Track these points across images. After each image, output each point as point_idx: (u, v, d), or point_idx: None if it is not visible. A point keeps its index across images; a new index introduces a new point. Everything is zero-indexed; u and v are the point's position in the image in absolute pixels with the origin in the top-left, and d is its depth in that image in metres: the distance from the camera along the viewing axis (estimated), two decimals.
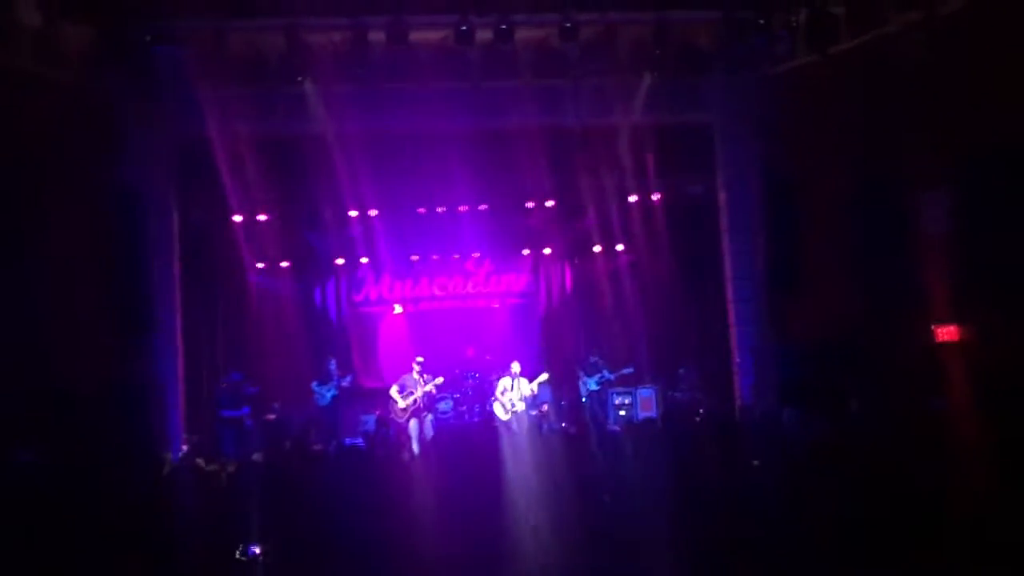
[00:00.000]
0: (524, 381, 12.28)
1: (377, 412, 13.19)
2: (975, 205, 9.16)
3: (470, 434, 10.65)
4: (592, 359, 13.76)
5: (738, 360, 11.67)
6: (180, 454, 10.16)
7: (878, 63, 9.86)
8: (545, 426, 12.27)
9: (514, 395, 12.31)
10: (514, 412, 12.22)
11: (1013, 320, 8.52)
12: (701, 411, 11.95)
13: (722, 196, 12.02)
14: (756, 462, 5.92)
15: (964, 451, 5.54)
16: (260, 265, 14.04)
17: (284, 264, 14.39)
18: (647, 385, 13.36)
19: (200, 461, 8.97)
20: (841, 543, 4.65)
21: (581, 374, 13.73)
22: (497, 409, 12.23)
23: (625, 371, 13.44)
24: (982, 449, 5.41)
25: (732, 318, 11.83)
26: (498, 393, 12.26)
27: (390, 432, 11.95)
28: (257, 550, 4.41)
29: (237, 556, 4.38)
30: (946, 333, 9.70)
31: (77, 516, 5.01)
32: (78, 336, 9.46)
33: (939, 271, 9.37)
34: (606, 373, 13.45)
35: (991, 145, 9.03)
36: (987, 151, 9.07)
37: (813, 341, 10.40)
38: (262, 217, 13.06)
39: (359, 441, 11.56)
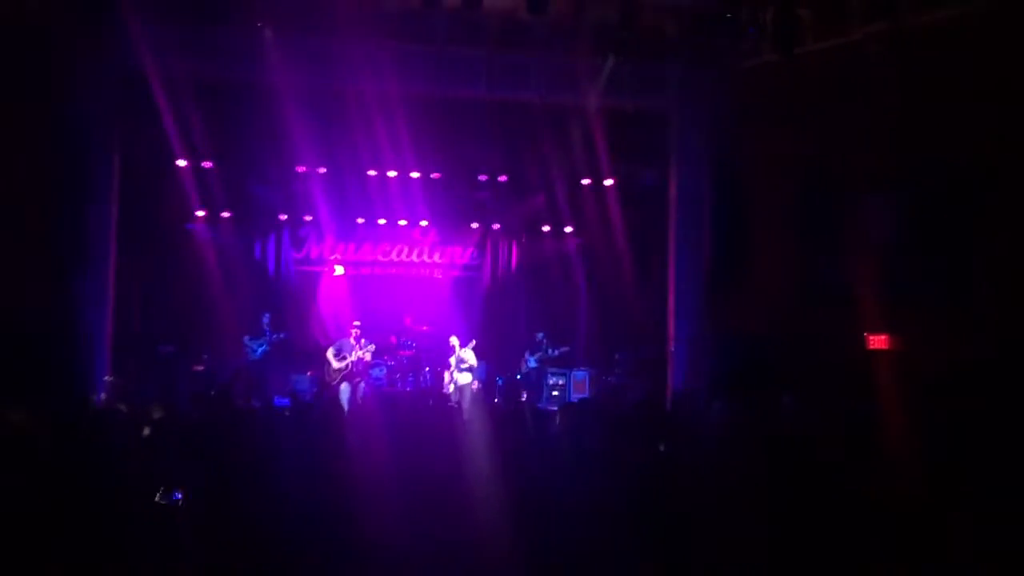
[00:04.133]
0: (466, 351, 12.33)
1: (309, 372, 13.06)
2: (917, 215, 9.40)
3: (401, 401, 10.57)
4: (538, 337, 13.82)
5: (673, 348, 11.80)
6: (103, 396, 9.91)
7: (839, 68, 10.01)
8: (480, 401, 12.30)
9: (455, 367, 12.37)
10: (456, 384, 12.28)
11: (942, 332, 8.77)
12: (630, 395, 12.08)
13: (673, 185, 12.09)
14: (662, 447, 5.99)
15: (889, 454, 5.66)
16: (201, 213, 13.69)
17: (225, 214, 14.05)
18: (582, 367, 13.47)
19: (122, 406, 8.74)
20: (742, 527, 4.71)
21: (526, 352, 13.80)
22: (446, 379, 12.38)
23: (563, 349, 13.54)
24: (907, 453, 5.53)
25: (672, 306, 11.94)
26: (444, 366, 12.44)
27: (323, 393, 11.85)
28: (179, 495, 4.30)
29: (157, 499, 4.26)
30: (878, 341, 9.94)
31: None
32: (8, 271, 9.13)
33: (875, 278, 9.58)
34: (549, 351, 13.53)
35: (936, 157, 9.26)
36: (932, 163, 9.31)
37: (749, 335, 10.57)
38: (206, 164, 12.71)
39: (287, 401, 11.41)
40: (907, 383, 8.32)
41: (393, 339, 14.12)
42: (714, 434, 7.09)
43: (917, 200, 9.41)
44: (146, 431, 6.17)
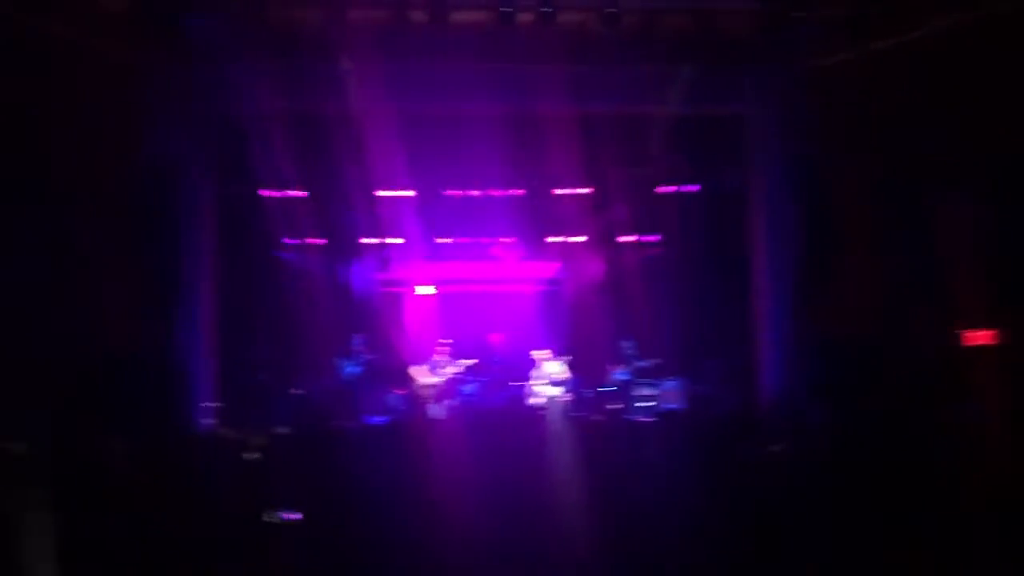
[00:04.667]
0: (554, 365, 12.39)
1: (401, 391, 13.29)
2: (1011, 206, 9.05)
3: (491, 416, 10.71)
4: (625, 348, 13.76)
5: (763, 354, 11.60)
6: (207, 423, 10.30)
7: (918, 61, 9.75)
8: (571, 414, 12.32)
9: (542, 380, 12.45)
10: (544, 397, 12.34)
11: None
12: (724, 404, 11.91)
13: (754, 189, 11.91)
14: (775, 448, 5.90)
15: (995, 456, 5.49)
16: (291, 240, 14.16)
17: (315, 240, 14.49)
18: (672, 377, 13.32)
19: (227, 431, 9.08)
20: (858, 535, 4.62)
21: (614, 363, 13.75)
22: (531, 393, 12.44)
23: (653, 362, 13.44)
24: (1013, 455, 5.35)
25: (759, 312, 11.75)
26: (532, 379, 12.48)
27: (414, 411, 12.05)
28: (287, 515, 4.47)
29: (265, 519, 4.44)
30: (977, 336, 9.59)
31: (105, 480, 5.08)
32: (108, 306, 9.56)
33: (970, 272, 9.27)
34: (637, 362, 13.46)
35: None
36: None
37: (843, 336, 10.32)
38: (295, 193, 13.17)
39: (381, 419, 11.65)
40: (1010, 380, 8.02)
41: (481, 355, 14.25)
42: (815, 438, 6.97)
43: (1010, 189, 9.05)
44: (249, 455, 6.39)
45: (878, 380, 9.26)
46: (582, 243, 15.42)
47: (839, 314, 10.58)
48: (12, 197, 8.76)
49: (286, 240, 14.11)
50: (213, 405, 10.90)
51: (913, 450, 5.35)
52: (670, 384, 13.20)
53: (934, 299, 9.60)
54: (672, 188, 13.36)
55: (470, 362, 12.77)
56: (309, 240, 14.44)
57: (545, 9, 9.71)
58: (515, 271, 15.47)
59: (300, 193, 13.18)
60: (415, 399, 12.60)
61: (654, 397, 13.10)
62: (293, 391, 12.85)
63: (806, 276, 11.12)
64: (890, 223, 10.27)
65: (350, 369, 13.38)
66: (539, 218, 14.63)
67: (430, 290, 15.20)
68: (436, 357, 12.64)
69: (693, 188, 13.05)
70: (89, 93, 9.31)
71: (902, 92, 9.91)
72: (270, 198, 12.82)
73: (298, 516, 4.41)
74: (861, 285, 10.33)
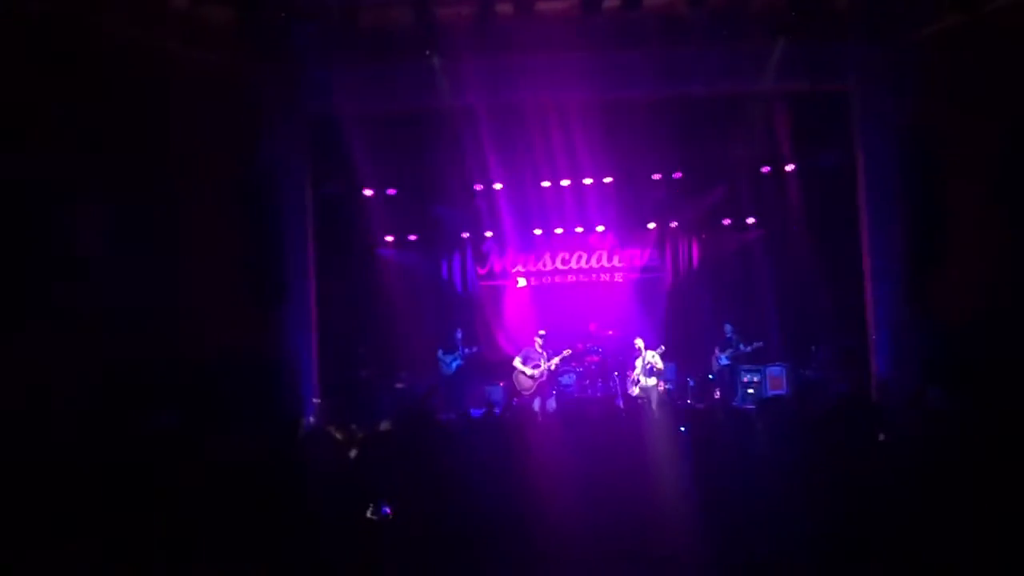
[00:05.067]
0: (651, 354, 12.23)
1: (502, 383, 13.38)
2: None
3: (590, 407, 10.61)
4: (727, 333, 13.50)
5: (875, 337, 11.16)
6: (312, 419, 10.57)
7: None
8: (672, 403, 12.15)
9: (641, 370, 12.31)
10: (642, 387, 12.21)
11: None
12: (833, 388, 11.53)
13: (860, 166, 11.45)
14: (882, 436, 5.63)
15: None
16: (389, 238, 14.43)
17: (412, 237, 14.75)
18: (777, 363, 13.00)
19: (331, 428, 9.25)
20: (985, 528, 4.37)
21: (716, 349, 13.52)
22: (632, 385, 12.35)
23: (757, 345, 13.14)
24: None
25: (869, 293, 11.30)
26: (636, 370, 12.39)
27: (515, 402, 12.10)
28: (388, 510, 4.52)
29: (368, 515, 4.50)
30: None
31: (215, 479, 5.21)
32: (217, 307, 9.88)
33: None
34: (741, 347, 13.18)
35: None
36: None
37: (957, 317, 9.81)
38: (391, 191, 13.42)
39: (484, 411, 11.73)
40: None
41: (580, 346, 14.19)
42: (932, 424, 6.64)
43: None
44: (353, 452, 6.50)
45: (995, 364, 8.76)
46: (678, 228, 15.13)
47: (954, 295, 10.05)
48: (129, 199, 9.14)
49: (386, 238, 14.39)
50: (318, 402, 11.20)
51: None
52: (775, 369, 12.88)
53: None
54: (773, 168, 12.96)
55: (568, 353, 12.73)
56: (408, 236, 14.71)
57: None
58: (609, 260, 15.31)
59: (396, 191, 13.42)
60: (515, 391, 12.65)
61: (758, 384, 12.81)
62: (396, 385, 13.11)
63: (918, 255, 10.63)
64: (1006, 198, 9.68)
65: (451, 363, 13.56)
66: (634, 205, 14.44)
67: (526, 282, 15.21)
68: (535, 348, 12.65)
69: (795, 167, 12.63)
70: (200, 102, 9.65)
71: (1014, 56, 9.32)
72: (368, 197, 13.10)
73: (390, 511, 4.45)
74: (976, 264, 9.78)
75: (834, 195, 12.20)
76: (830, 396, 11.06)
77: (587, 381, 13.93)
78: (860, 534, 4.55)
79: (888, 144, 11.06)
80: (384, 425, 8.64)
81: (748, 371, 13.05)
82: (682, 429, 5.98)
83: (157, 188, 9.49)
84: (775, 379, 12.77)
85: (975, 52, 9.68)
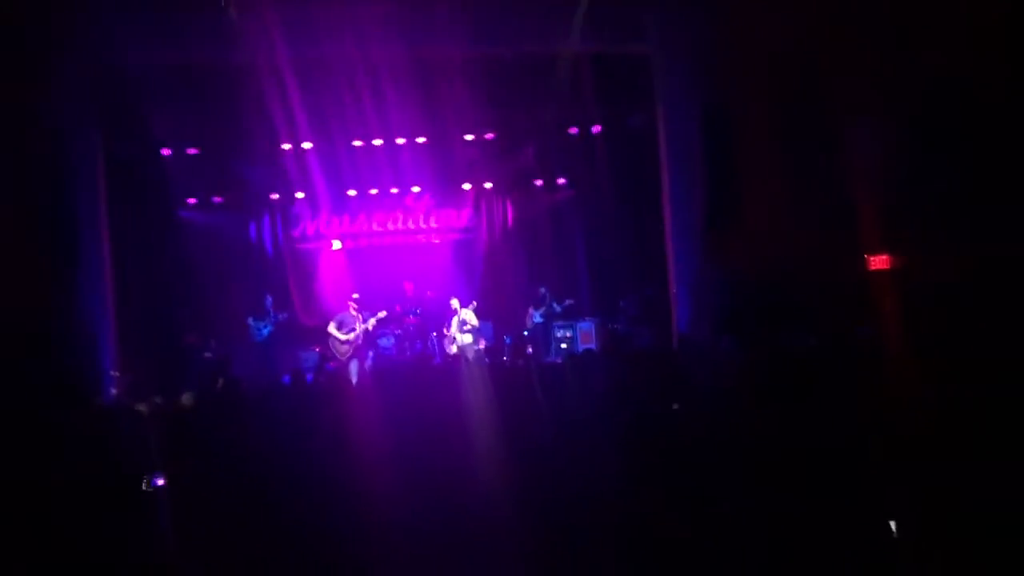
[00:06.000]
0: (466, 311, 12.35)
1: (317, 349, 13.10)
2: (908, 134, 9.25)
3: (405, 368, 10.62)
4: (541, 292, 13.80)
5: (676, 291, 11.76)
6: (114, 392, 9.96)
7: None
8: (486, 360, 12.33)
9: (457, 328, 12.42)
10: (459, 344, 12.32)
11: (941, 249, 8.68)
12: (636, 342, 12.09)
13: (661, 127, 11.95)
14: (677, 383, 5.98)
15: (895, 377, 5.63)
16: (192, 200, 13.69)
17: (217, 199, 14.05)
18: (587, 318, 13.45)
19: (132, 400, 8.77)
20: (774, 468, 4.70)
21: (530, 308, 13.79)
22: (448, 344, 12.41)
23: (568, 302, 13.53)
24: (910, 375, 5.50)
25: (670, 250, 11.87)
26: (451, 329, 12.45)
27: (324, 367, 11.91)
28: (160, 481, 4.31)
29: (143, 488, 4.28)
30: (878, 261, 9.87)
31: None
32: (9, 275, 9.08)
33: (872, 200, 9.48)
34: (554, 305, 13.52)
35: (925, 76, 9.08)
36: (921, 82, 9.12)
37: (750, 270, 10.49)
38: (192, 151, 12.70)
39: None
40: (906, 302, 8.28)
41: (398, 308, 14.11)
42: (723, 371, 7.09)
43: (906, 118, 9.25)
44: (153, 424, 6.18)
45: (782, 311, 9.46)
46: (493, 189, 15.28)
47: (748, 248, 10.74)
48: None
49: (188, 199, 13.64)
50: (117, 375, 10.54)
51: (816, 377, 5.46)
52: (586, 325, 13.33)
53: (838, 227, 9.80)
54: (580, 129, 13.29)
55: (384, 315, 12.63)
56: (213, 198, 14.01)
57: None
58: (426, 221, 15.26)
59: (198, 150, 12.72)
60: (329, 356, 12.45)
61: (570, 339, 13.22)
62: (204, 355, 12.53)
63: (714, 212, 11.24)
64: (794, 155, 10.39)
65: (263, 329, 13.11)
66: (448, 166, 14.42)
67: (341, 244, 14.90)
68: (350, 312, 12.47)
69: (604, 129, 13.00)
70: None
71: (802, 21, 9.94)
72: (166, 156, 12.35)
73: (174, 480, 4.27)
74: (764, 219, 10.49)
75: (639, 156, 12.67)
76: (635, 349, 11.61)
77: (406, 343, 13.90)
78: (657, 474, 4.79)
79: (687, 106, 11.57)
80: (186, 398, 8.26)
81: (561, 327, 13.43)
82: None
83: None
84: (586, 333, 13.21)
85: (767, 19, 10.24)
